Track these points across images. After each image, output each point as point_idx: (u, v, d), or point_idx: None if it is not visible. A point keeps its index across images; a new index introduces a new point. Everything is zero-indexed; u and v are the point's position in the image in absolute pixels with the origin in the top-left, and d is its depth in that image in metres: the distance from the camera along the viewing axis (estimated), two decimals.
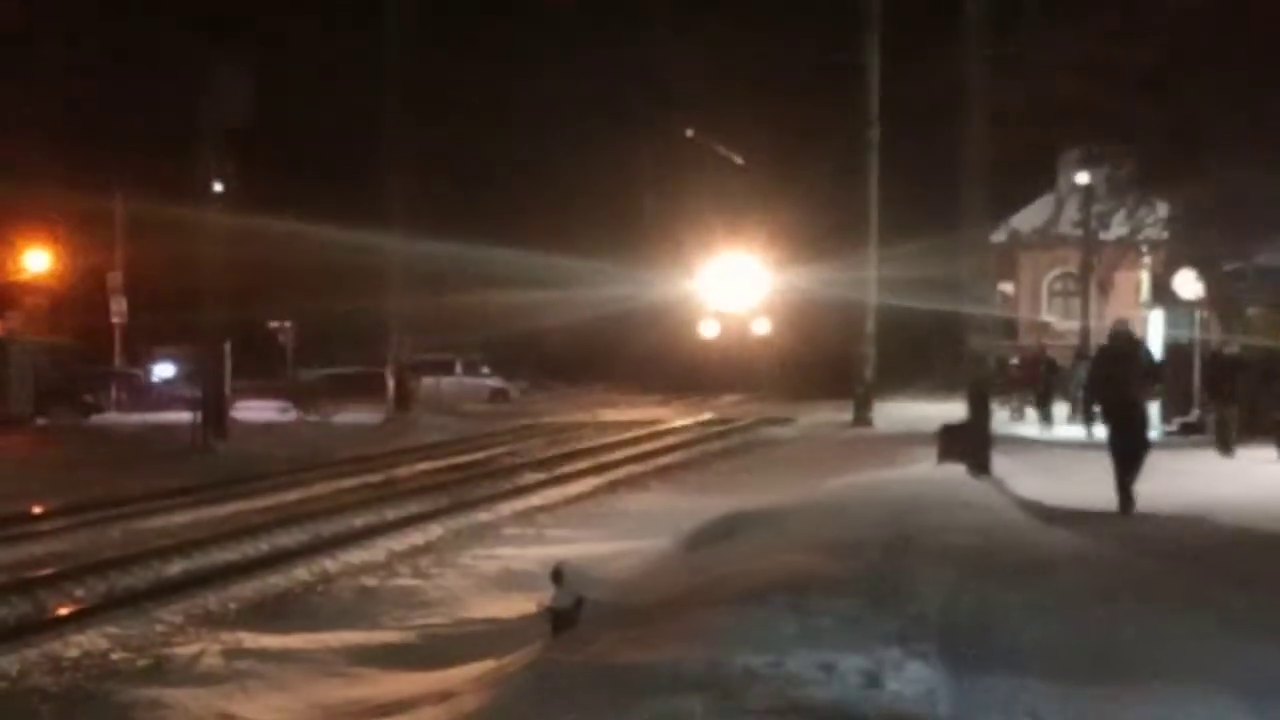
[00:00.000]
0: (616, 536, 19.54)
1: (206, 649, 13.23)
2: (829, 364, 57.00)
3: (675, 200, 74.02)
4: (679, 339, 66.62)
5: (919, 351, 53.98)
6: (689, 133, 69.93)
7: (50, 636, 13.79)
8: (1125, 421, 18.51)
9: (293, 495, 26.92)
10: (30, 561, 18.61)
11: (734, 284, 65.38)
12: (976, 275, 26.06)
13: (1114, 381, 19.07)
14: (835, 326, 58.00)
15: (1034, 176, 51.79)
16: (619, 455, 34.82)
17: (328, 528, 21.70)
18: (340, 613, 15.60)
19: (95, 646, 13.34)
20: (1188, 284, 32.63)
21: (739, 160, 69.70)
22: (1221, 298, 32.17)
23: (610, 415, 50.08)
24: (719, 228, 67.16)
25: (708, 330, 68.69)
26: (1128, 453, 18.18)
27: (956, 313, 27.68)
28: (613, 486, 27.67)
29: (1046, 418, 37.51)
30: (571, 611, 12.33)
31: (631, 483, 28.43)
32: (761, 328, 66.94)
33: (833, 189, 62.07)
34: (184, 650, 13.21)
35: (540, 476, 29.43)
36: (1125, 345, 19.66)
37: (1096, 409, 19.76)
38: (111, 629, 14.10)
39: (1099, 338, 44.03)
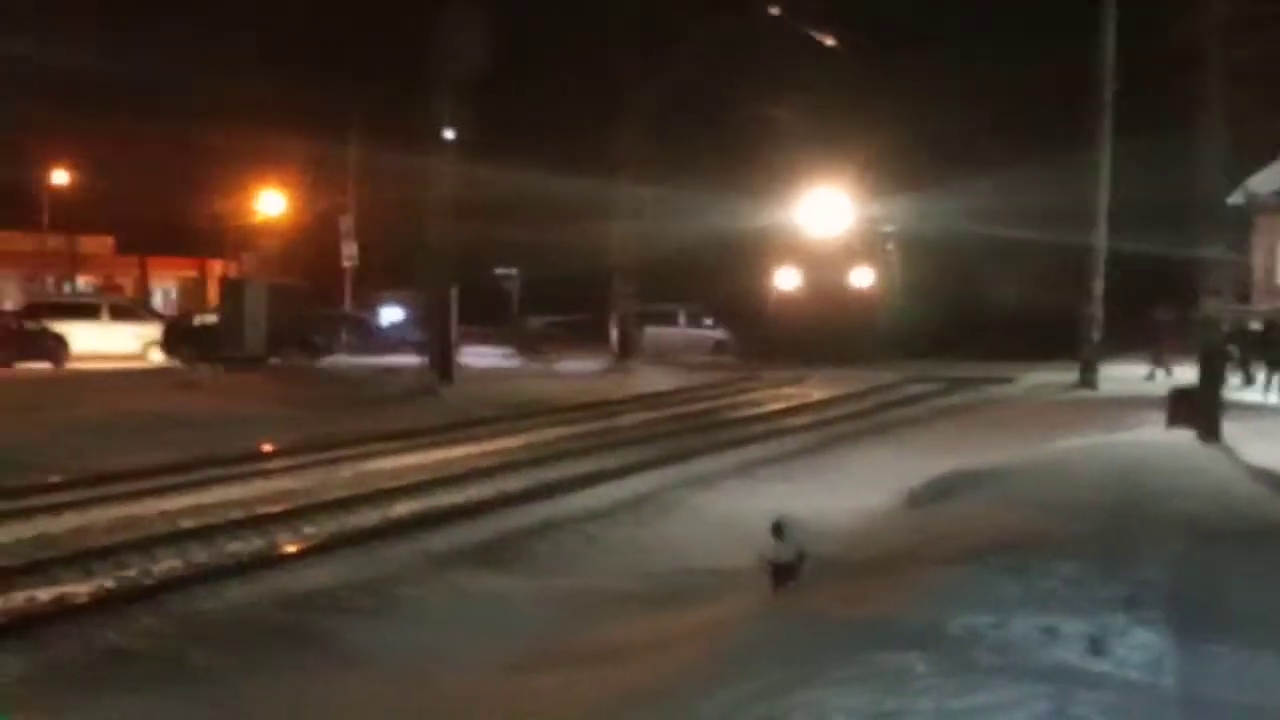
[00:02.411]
0: (836, 491, 19.78)
1: (431, 590, 13.81)
2: (1009, 321, 51.58)
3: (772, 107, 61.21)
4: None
5: (1142, 308, 50.05)
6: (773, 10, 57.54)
7: (281, 572, 14.42)
8: None
9: (517, 440, 27.45)
10: (265, 498, 19.36)
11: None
12: (1210, 239, 25.61)
13: None
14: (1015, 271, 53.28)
15: (1273, 137, 48.62)
16: (839, 411, 34.66)
17: (551, 473, 22.08)
18: (563, 558, 15.99)
19: (323, 583, 13.90)
20: None
21: (830, 42, 56.24)
22: None
23: (829, 369, 48.43)
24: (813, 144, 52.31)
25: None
26: None
27: (1185, 265, 27.60)
28: (833, 441, 27.74)
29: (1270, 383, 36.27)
30: (792, 565, 12.50)
31: (852, 438, 28.42)
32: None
33: (962, 89, 54.54)
34: (409, 591, 13.77)
35: (761, 429, 29.59)
36: None
37: None
38: (340, 566, 14.68)
39: None
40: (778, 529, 12.97)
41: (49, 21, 54.94)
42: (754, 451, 25.67)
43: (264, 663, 11.10)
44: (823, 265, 44.79)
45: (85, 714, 9.74)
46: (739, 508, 18.35)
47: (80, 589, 13.61)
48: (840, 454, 25.66)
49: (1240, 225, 49.34)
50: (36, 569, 14.60)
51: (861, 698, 8.03)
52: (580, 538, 16.92)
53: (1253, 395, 33.25)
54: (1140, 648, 8.79)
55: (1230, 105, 24.92)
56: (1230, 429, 22.53)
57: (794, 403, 37.55)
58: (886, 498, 17.86)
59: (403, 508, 18.98)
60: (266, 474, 22.21)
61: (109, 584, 13.83)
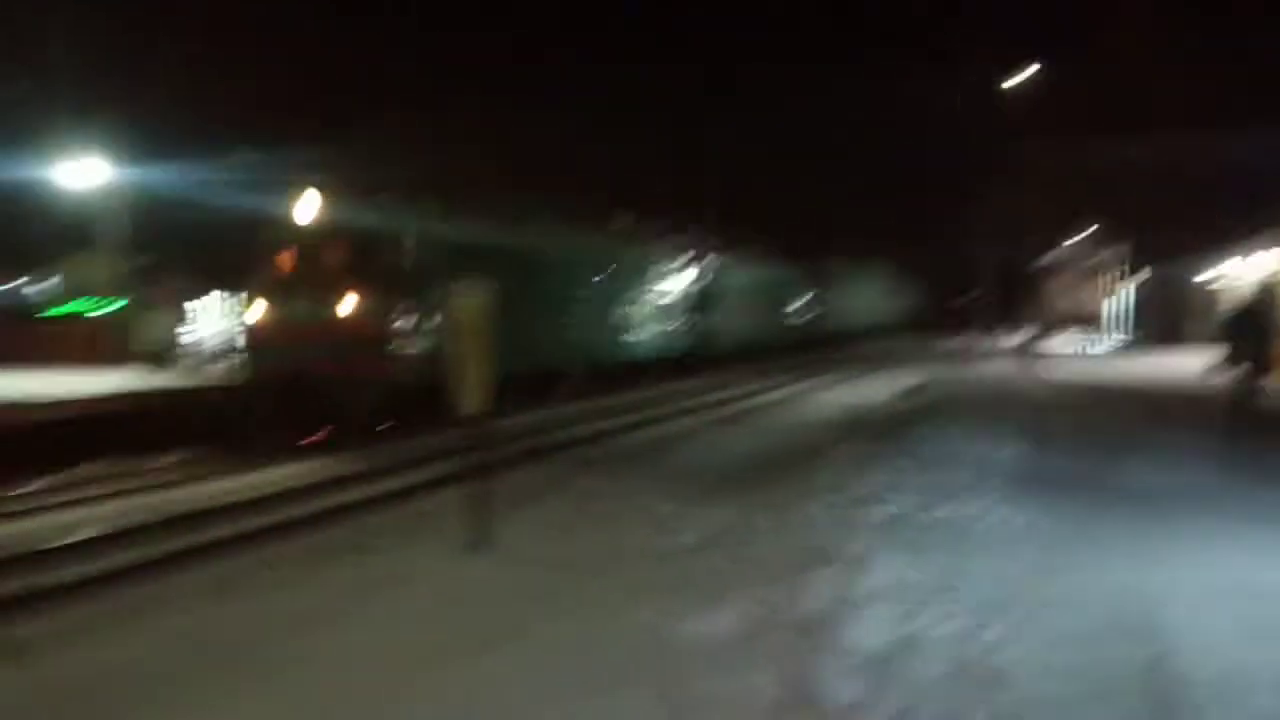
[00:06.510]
0: (870, 390, 20.07)
1: (707, 435, 14.46)
2: None
3: None
4: None
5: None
6: None
7: (655, 427, 15.15)
8: None
9: (735, 370, 26.12)
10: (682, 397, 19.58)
11: None
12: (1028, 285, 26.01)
13: None
14: None
15: (1047, 241, 43.19)
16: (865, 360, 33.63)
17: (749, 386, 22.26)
18: (759, 420, 16.42)
19: (667, 434, 14.63)
20: None
21: None
22: None
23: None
24: None
25: None
26: None
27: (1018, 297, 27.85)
28: (858, 372, 27.28)
29: None
30: (856, 421, 13.30)
31: (869, 370, 28.06)
32: None
33: None
34: (699, 435, 14.40)
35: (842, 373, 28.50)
36: None
37: None
38: (675, 425, 15.55)
39: None
40: (849, 407, 14.06)
41: None
42: (836, 376, 25.37)
43: (639, 462, 11.89)
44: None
45: (580, 480, 10.37)
46: (831, 400, 18.81)
47: (582, 432, 14.47)
48: (872, 376, 25.31)
49: (1045, 272, 47.31)
50: (579, 420, 15.61)
51: (887, 477, 8.64)
52: (766, 414, 17.42)
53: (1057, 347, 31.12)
54: (1008, 454, 9.54)
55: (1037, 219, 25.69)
56: (1041, 361, 22.61)
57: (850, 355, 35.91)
58: (894, 393, 18.30)
59: (715, 396, 19.11)
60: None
61: (590, 431, 14.55)
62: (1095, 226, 38.73)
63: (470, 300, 6.92)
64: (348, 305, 13.32)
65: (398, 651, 4.91)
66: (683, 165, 39.41)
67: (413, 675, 4.48)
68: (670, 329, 23.18)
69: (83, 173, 19.67)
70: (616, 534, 7.75)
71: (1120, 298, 32.81)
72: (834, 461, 10.07)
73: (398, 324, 13.45)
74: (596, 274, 19.76)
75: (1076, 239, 41.81)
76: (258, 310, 13.84)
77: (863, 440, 11.58)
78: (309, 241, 13.63)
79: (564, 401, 17.57)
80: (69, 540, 8.01)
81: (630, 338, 21.46)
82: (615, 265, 20.65)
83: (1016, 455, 9.52)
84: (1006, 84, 24.15)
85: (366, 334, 13.23)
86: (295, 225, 13.64)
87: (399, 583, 6.37)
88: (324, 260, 13.50)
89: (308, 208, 13.59)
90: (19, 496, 10.31)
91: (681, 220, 25.33)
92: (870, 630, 4.58)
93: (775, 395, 20.07)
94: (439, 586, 6.26)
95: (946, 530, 6.71)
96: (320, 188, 13.59)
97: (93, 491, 10.34)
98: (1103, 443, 10.12)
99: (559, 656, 4.55)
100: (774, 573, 5.61)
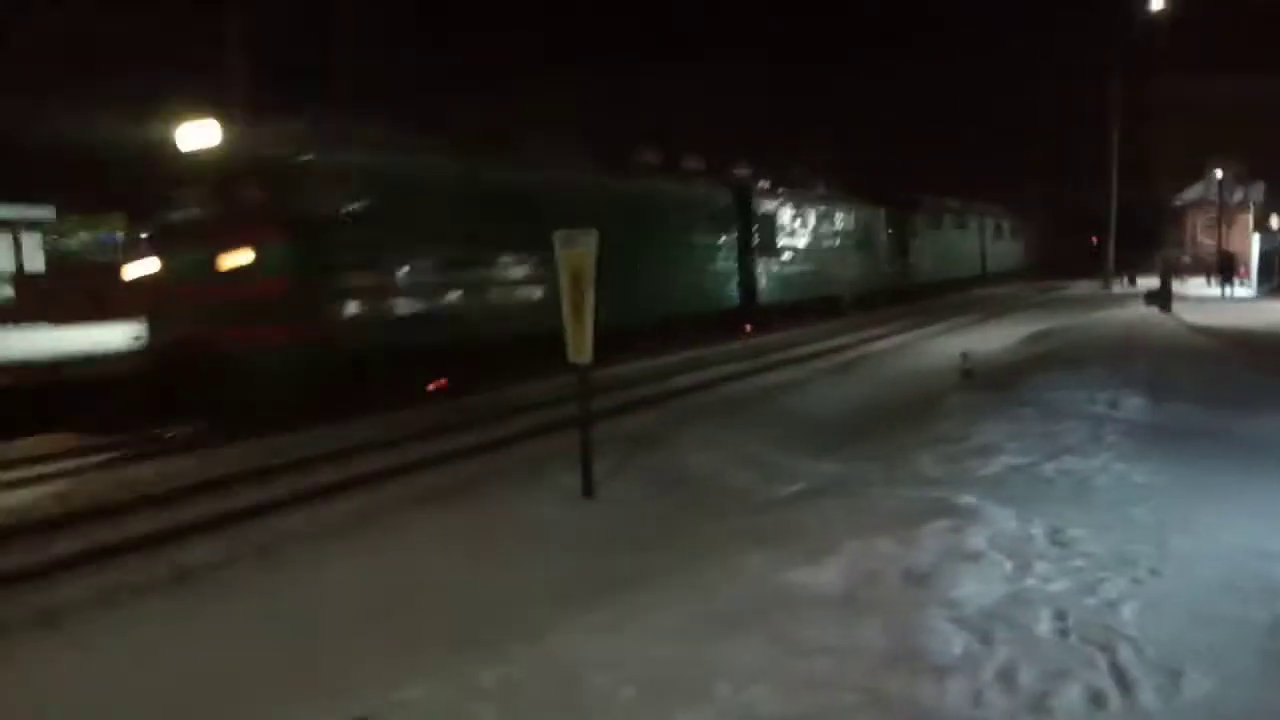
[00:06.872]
0: (987, 339, 19.59)
1: (819, 384, 14.17)
2: None
3: None
4: None
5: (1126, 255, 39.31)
6: None
7: (759, 377, 14.77)
8: None
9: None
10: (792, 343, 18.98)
11: None
12: (1162, 222, 24.81)
13: None
14: None
15: (1192, 174, 41.23)
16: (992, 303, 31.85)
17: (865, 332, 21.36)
18: (870, 368, 16.16)
19: (774, 382, 14.33)
20: None
21: None
22: None
23: None
24: None
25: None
26: None
27: (1152, 234, 26.31)
28: (981, 319, 26.39)
29: None
30: (970, 370, 12.91)
31: (990, 317, 26.98)
32: None
33: None
34: (810, 386, 14.13)
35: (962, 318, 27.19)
36: None
37: None
38: (784, 375, 15.17)
39: None
40: (965, 356, 13.38)
41: None
42: (955, 323, 24.28)
43: (746, 412, 11.67)
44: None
45: (682, 433, 10.21)
46: (944, 349, 18.19)
47: (687, 382, 14.12)
48: (986, 324, 24.56)
49: (1180, 213, 45.50)
50: (675, 372, 14.94)
51: (1003, 428, 8.41)
52: (875, 362, 17.09)
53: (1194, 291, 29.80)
54: (1134, 405, 9.16)
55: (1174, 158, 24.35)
56: (1176, 306, 21.64)
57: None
58: (1011, 341, 17.75)
59: (809, 349, 18.32)
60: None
61: (695, 381, 14.18)
62: (1232, 167, 36.63)
63: (577, 249, 6.98)
64: (257, 257, 10.10)
65: (531, 591, 5.27)
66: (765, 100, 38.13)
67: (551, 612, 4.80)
68: (755, 277, 21.86)
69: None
70: (725, 483, 7.85)
71: (1260, 240, 30.90)
72: (948, 411, 9.90)
73: (331, 281, 10.63)
74: (647, 220, 17.42)
75: (1212, 179, 39.64)
76: (146, 265, 10.75)
77: (978, 390, 11.31)
78: (211, 178, 10.45)
79: (652, 355, 16.86)
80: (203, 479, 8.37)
81: (711, 288, 20.15)
82: (669, 210, 18.51)
83: (1141, 406, 9.16)
84: (1151, 6, 22.67)
85: (284, 294, 10.14)
86: (194, 158, 10.48)
87: (517, 528, 6.62)
88: (232, 202, 10.35)
89: (207, 136, 10.50)
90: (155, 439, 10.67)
91: (770, 159, 23.82)
92: (981, 584, 4.56)
93: (884, 344, 19.57)
94: (555, 532, 6.43)
95: (1063, 484, 6.55)
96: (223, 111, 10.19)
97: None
98: (1233, 395, 9.66)
99: (672, 607, 4.65)
100: (885, 524, 5.61)
